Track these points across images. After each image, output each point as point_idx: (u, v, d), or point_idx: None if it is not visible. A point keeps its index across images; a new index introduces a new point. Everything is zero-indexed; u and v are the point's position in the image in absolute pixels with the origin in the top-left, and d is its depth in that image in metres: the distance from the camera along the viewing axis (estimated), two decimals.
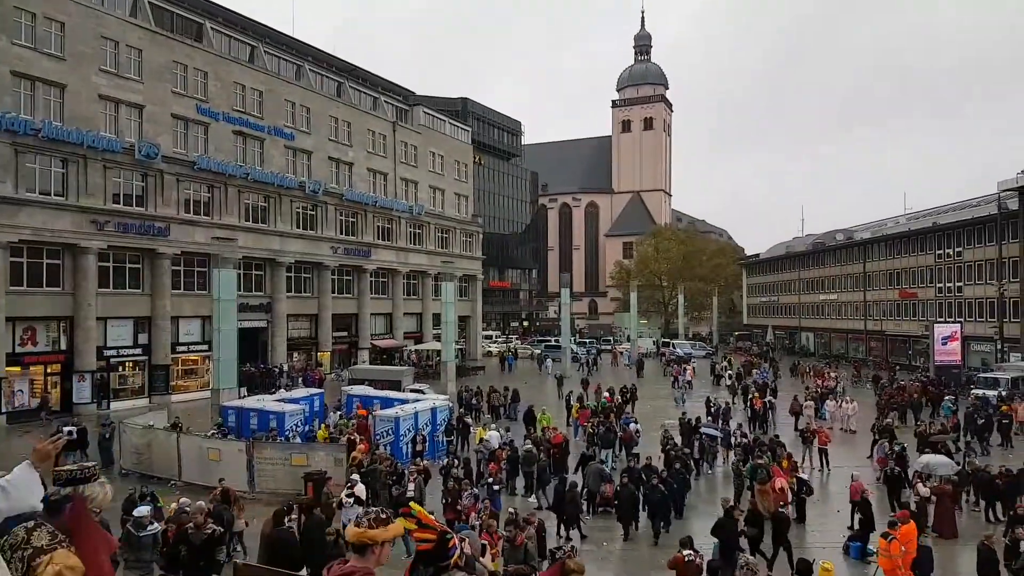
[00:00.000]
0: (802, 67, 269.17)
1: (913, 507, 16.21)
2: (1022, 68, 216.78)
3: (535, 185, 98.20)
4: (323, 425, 24.48)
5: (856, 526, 16.38)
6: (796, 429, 28.18)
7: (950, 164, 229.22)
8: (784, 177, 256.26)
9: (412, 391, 30.10)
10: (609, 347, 68.75)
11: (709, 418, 28.30)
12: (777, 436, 24.43)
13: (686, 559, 11.66)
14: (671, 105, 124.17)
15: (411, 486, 16.29)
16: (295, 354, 44.92)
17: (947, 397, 33.06)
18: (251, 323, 40.41)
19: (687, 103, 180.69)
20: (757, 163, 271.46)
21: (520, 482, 20.22)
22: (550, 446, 21.59)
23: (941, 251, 52.67)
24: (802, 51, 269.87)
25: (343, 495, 14.99)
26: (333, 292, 47.64)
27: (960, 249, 50.60)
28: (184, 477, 19.60)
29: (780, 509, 15.70)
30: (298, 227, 44.50)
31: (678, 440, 22.86)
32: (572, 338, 61.14)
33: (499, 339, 72.91)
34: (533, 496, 19.28)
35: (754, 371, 46.21)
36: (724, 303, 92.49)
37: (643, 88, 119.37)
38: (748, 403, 32.29)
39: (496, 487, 16.86)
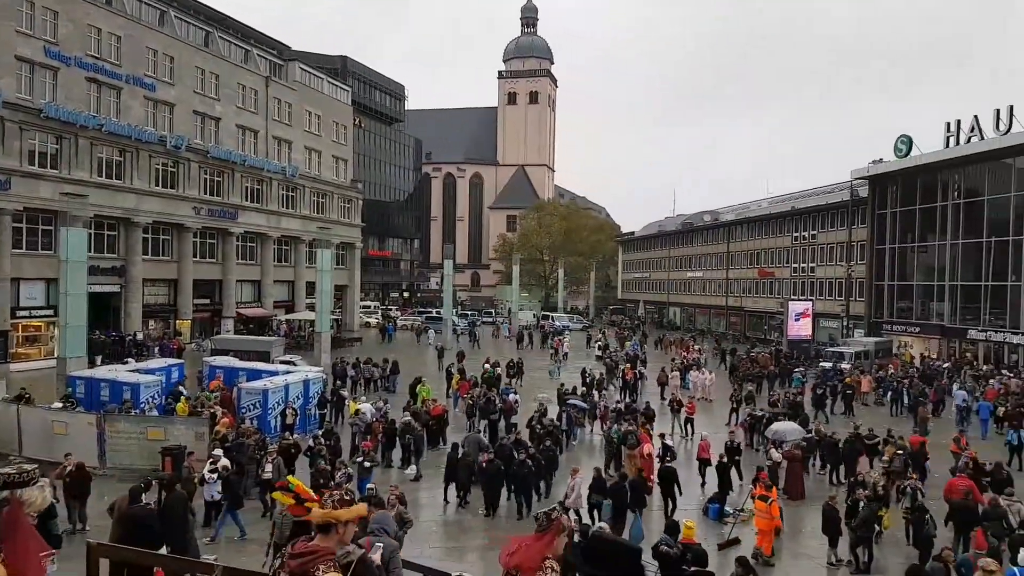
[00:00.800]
0: (685, 52, 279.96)
1: (765, 471, 17.18)
2: (879, 62, 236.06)
3: (419, 153, 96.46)
4: (183, 397, 22.94)
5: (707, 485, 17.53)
6: (662, 398, 29.70)
7: (815, 150, 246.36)
8: (659, 157, 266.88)
9: (282, 363, 29.05)
10: (491, 319, 69.57)
11: (584, 388, 29.12)
12: (648, 404, 25.64)
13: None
14: (556, 81, 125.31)
15: (268, 467, 15.49)
16: (151, 322, 42.03)
17: (797, 369, 35.81)
18: (102, 287, 37.31)
19: (571, 80, 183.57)
20: (635, 143, 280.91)
21: (397, 454, 19.98)
22: (429, 418, 21.55)
23: (797, 234, 56.60)
24: (686, 36, 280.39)
25: (206, 471, 14.38)
26: (195, 256, 44.87)
27: (815, 232, 54.59)
28: (25, 452, 17.87)
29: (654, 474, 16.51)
30: (157, 185, 41.32)
31: (553, 415, 22.79)
32: (454, 310, 61.07)
33: (378, 309, 71.57)
34: (411, 467, 19.16)
35: (626, 343, 48.07)
36: (601, 278, 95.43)
37: (529, 61, 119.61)
38: (620, 374, 33.45)
39: (367, 464, 16.26)
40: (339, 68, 71.23)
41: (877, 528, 14.01)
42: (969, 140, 39.32)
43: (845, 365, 36.53)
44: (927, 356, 41.05)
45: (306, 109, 55.15)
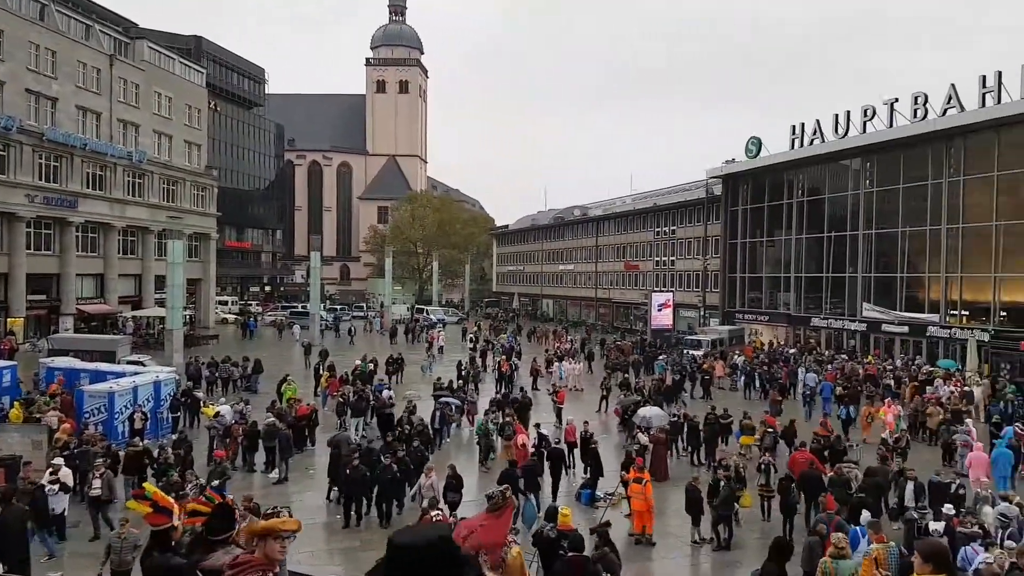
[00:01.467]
0: (560, 46, 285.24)
1: (634, 455, 17.67)
2: (740, 65, 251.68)
3: (281, 139, 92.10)
4: (15, 402, 20.58)
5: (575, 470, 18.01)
6: (534, 388, 30.15)
7: (680, 148, 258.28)
8: (531, 153, 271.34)
9: (130, 363, 27.00)
10: (362, 314, 67.80)
11: (460, 381, 29.01)
12: (523, 392, 25.87)
13: (433, 519, 11.49)
14: (427, 71, 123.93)
15: (97, 483, 13.90)
16: None
17: (660, 357, 37.51)
18: None
19: (442, 72, 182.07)
20: (507, 138, 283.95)
21: (260, 457, 18.91)
22: (295, 419, 20.50)
23: (659, 229, 59.29)
24: (562, 30, 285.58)
25: (45, 480, 13.19)
26: (28, 248, 40.49)
27: (674, 228, 57.41)
28: None
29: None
30: None
31: (426, 414, 22.05)
32: (322, 305, 58.92)
33: (237, 304, 67.84)
34: (275, 471, 18.23)
35: (501, 336, 48.45)
36: (476, 271, 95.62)
37: (398, 50, 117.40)
38: (496, 366, 33.81)
39: (215, 482, 14.55)
40: (192, 48, 66.78)
41: (736, 507, 14.71)
42: (812, 143, 42.58)
43: (697, 352, 38.60)
44: (775, 343, 44.27)
45: (155, 91, 51.01)
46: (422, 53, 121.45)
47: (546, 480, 17.12)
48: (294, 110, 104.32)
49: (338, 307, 72.85)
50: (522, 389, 27.84)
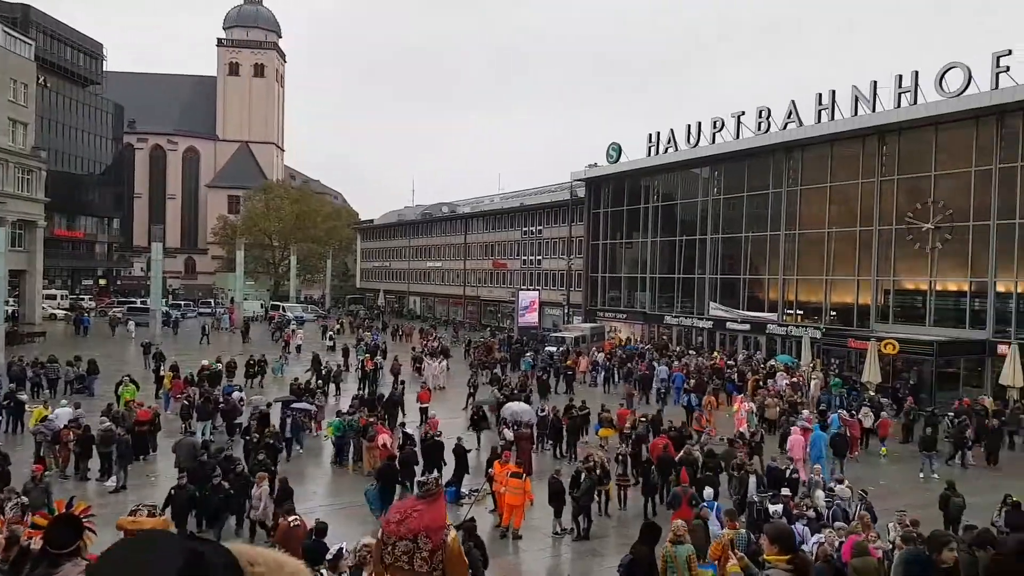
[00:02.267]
0: (430, 38, 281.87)
1: (499, 450, 17.73)
2: (607, 73, 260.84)
3: (120, 120, 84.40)
4: None
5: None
6: (395, 386, 29.12)
7: (548, 150, 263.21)
8: (398, 145, 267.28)
9: None
10: (210, 310, 63.70)
11: (320, 381, 28.25)
12: (389, 393, 25.26)
13: (291, 524, 11.33)
14: (284, 55, 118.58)
15: None
16: None
17: (527, 354, 38.10)
18: None
19: (302, 59, 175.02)
20: (373, 130, 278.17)
21: (95, 464, 17.43)
22: (135, 423, 18.87)
23: (526, 228, 60.27)
24: (432, 22, 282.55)
25: None
26: None
27: (541, 228, 58.57)
28: None
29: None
30: None
31: (276, 420, 20.69)
32: (164, 300, 54.72)
33: (67, 299, 61.59)
34: (112, 479, 16.88)
35: (366, 334, 47.18)
36: (338, 266, 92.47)
37: (254, 32, 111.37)
38: (360, 365, 32.99)
39: (30, 498, 12.80)
40: (20, 17, 60.17)
41: (596, 498, 15.31)
42: (666, 151, 44.87)
43: (552, 348, 39.69)
44: (632, 339, 46.26)
45: None
46: (280, 36, 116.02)
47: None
48: (136, 90, 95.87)
49: (182, 303, 68.09)
50: (402, 383, 27.21)
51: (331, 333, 46.98)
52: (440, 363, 33.43)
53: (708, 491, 14.02)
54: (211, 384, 25.51)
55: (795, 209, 38.22)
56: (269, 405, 21.55)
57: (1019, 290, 29.07)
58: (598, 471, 15.32)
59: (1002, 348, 27.42)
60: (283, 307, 65.17)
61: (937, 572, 5.27)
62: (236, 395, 23.57)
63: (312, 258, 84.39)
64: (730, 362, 35.26)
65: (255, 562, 1.31)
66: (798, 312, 38.30)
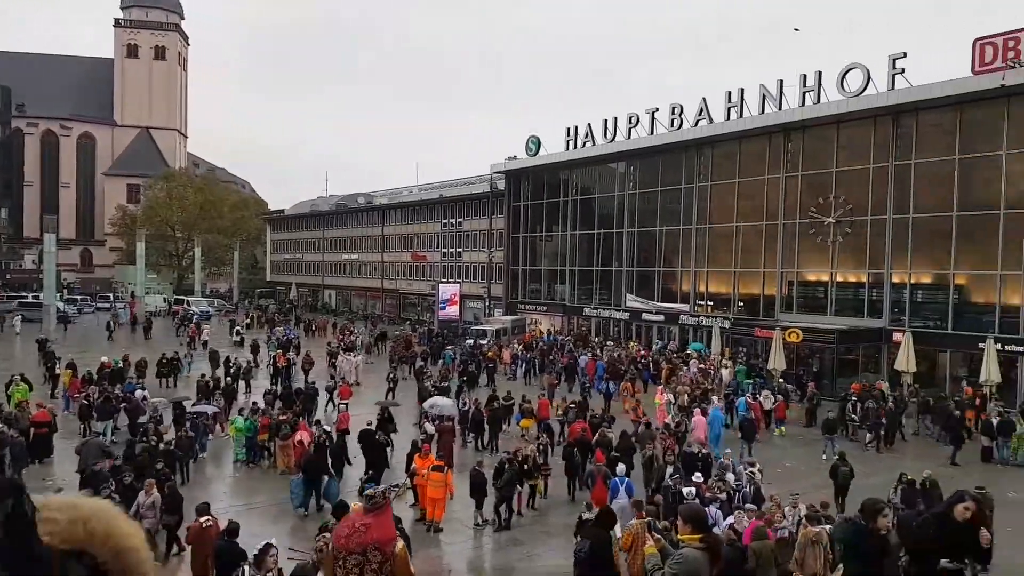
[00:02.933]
0: (336, 26, 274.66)
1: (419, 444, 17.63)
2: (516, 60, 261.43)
3: (7, 103, 78.53)
4: None
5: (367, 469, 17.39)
6: (307, 383, 28.00)
7: (473, 142, 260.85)
8: (311, 134, 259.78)
9: None
10: (108, 305, 60.24)
11: (229, 378, 27.57)
12: (306, 387, 24.69)
13: (203, 525, 11.18)
14: (188, 38, 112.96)
15: None
16: None
17: (448, 347, 37.87)
18: None
19: (211, 42, 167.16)
20: (284, 116, 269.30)
21: None
22: (31, 424, 17.82)
23: (446, 221, 59.79)
24: (342, 12, 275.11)
25: None
26: None
27: (461, 220, 58.25)
28: None
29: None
30: None
31: (168, 418, 19.89)
32: (59, 294, 51.35)
33: None
34: None
35: (277, 329, 45.80)
36: (247, 258, 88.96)
37: (154, 12, 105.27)
38: (272, 361, 32.26)
39: None
40: None
41: (520, 489, 15.49)
42: (584, 145, 45.53)
43: (482, 341, 39.64)
44: (552, 331, 46.76)
45: None
46: (182, 18, 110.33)
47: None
48: (25, 72, 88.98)
49: (78, 297, 64.14)
50: (312, 381, 26.85)
51: (239, 328, 45.33)
52: (356, 358, 32.79)
53: (620, 467, 14.81)
54: (112, 382, 24.46)
55: (706, 204, 39.56)
56: (178, 406, 20.66)
57: (912, 281, 31.19)
58: (528, 465, 15.53)
59: (897, 336, 29.29)
60: (187, 301, 62.27)
61: (875, 540, 5.54)
62: (139, 393, 22.79)
63: (218, 250, 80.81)
64: (643, 352, 36.33)
65: (49, 506, 1.42)
66: (709, 303, 39.74)
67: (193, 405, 21.55)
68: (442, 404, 21.50)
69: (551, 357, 34.74)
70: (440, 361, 34.46)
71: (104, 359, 28.12)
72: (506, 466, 14.97)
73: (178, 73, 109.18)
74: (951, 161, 29.31)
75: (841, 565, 6.06)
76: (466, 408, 21.78)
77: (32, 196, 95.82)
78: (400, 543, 5.04)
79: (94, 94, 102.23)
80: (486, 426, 21.11)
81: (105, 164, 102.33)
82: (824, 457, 20.17)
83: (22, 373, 23.52)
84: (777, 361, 27.99)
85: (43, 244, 48.86)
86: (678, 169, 40.87)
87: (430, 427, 19.11)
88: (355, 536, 4.73)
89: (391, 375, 28.60)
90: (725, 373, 29.45)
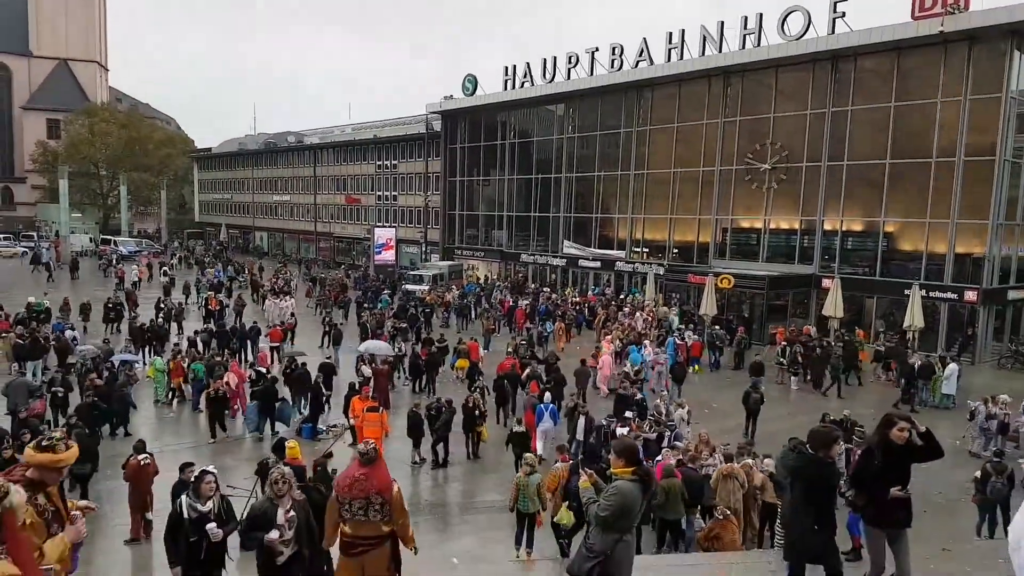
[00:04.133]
0: None
1: (357, 386, 17.85)
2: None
3: None
4: None
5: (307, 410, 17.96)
6: (238, 324, 28.29)
7: (407, 82, 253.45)
8: (239, 68, 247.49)
9: None
10: (30, 246, 57.24)
11: (162, 319, 27.36)
12: (240, 326, 25.17)
13: (141, 463, 11.28)
14: None
15: None
16: None
17: (384, 292, 37.58)
18: None
19: None
20: (210, 48, 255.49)
21: None
22: None
23: (381, 162, 58.32)
24: None
25: None
26: None
27: (396, 162, 56.89)
28: None
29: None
30: None
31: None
32: None
33: None
34: None
35: (208, 271, 44.60)
36: (174, 198, 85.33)
37: None
38: (203, 303, 32.27)
39: None
40: None
41: (467, 437, 15.99)
42: (523, 85, 44.58)
43: (413, 287, 39.62)
44: (489, 277, 46.69)
45: None
46: None
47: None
48: None
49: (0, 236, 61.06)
50: (244, 323, 26.99)
51: (166, 269, 43.88)
52: (286, 302, 31.99)
53: (547, 396, 16.34)
54: (38, 323, 24.63)
55: (644, 149, 39.52)
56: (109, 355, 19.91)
57: (844, 228, 32.04)
58: (476, 412, 15.87)
59: (826, 282, 30.12)
60: (114, 241, 59.65)
61: (823, 467, 5.58)
62: (69, 333, 23.12)
63: (144, 189, 77.26)
64: (582, 298, 36.77)
65: None
66: (644, 250, 40.15)
67: (122, 351, 21.30)
68: (377, 347, 21.81)
69: (486, 304, 34.96)
70: (377, 305, 34.11)
71: (31, 299, 28.00)
72: (443, 409, 15.53)
73: (95, 1, 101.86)
74: (887, 108, 29.76)
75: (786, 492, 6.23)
76: (403, 353, 21.85)
77: None
78: (396, 486, 5.82)
79: (7, 23, 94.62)
80: (423, 369, 21.34)
81: (22, 98, 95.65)
82: None
83: None
84: (709, 307, 28.59)
85: None
86: (617, 113, 40.59)
87: (367, 369, 19.52)
88: (357, 485, 5.60)
89: (326, 319, 28.20)
90: (674, 318, 30.42)
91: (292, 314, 29.15)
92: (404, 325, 28.00)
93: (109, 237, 63.15)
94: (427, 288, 39.23)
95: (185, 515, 6.13)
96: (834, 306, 27.36)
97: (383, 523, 5.69)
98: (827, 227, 32.56)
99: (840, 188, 31.65)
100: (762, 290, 31.42)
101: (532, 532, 10.46)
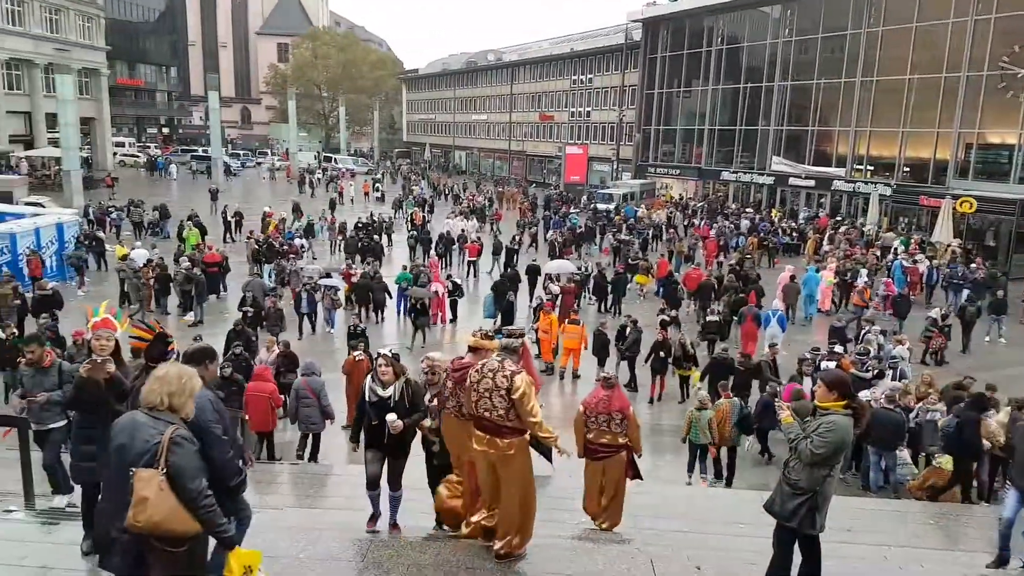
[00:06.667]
0: None
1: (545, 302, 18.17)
2: None
3: None
4: None
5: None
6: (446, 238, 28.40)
7: None
8: None
9: (28, 204, 26.62)
10: (265, 160, 64.51)
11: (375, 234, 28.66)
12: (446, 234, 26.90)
13: (356, 359, 12.00)
14: None
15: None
16: None
17: (573, 210, 37.94)
18: None
19: None
20: None
21: (173, 301, 19.08)
22: (206, 265, 20.07)
23: (576, 77, 57.47)
24: None
25: None
26: None
27: (591, 76, 55.77)
28: None
29: None
30: None
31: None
32: (224, 148, 55.60)
33: (134, 146, 62.96)
34: (190, 314, 18.36)
35: (415, 188, 47.28)
36: (385, 119, 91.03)
37: None
38: (409, 217, 33.98)
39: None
40: None
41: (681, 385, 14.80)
42: None
43: (604, 205, 38.80)
44: (683, 196, 44.99)
45: None
46: None
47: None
48: None
49: (240, 152, 69.25)
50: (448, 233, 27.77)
51: (378, 185, 47.50)
52: (471, 223, 32.23)
53: (775, 302, 17.83)
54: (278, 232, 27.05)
55: (874, 53, 35.33)
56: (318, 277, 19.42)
57: None
58: (678, 353, 14.47)
59: None
60: (335, 159, 65.36)
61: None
62: (297, 242, 25.53)
63: (360, 110, 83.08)
64: (791, 224, 34.23)
65: None
66: (868, 167, 36.51)
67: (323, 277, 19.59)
68: (560, 266, 21.86)
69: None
70: (565, 224, 34.21)
71: (267, 209, 30.88)
72: (628, 328, 14.99)
73: None
74: None
75: None
76: (584, 271, 21.87)
77: (196, 56, 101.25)
78: (632, 408, 7.23)
79: None
80: (609, 290, 21.08)
81: (257, 24, 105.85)
82: (988, 339, 18.47)
83: (192, 218, 26.08)
84: (944, 233, 25.44)
85: (208, 101, 52.35)
86: (844, 12, 36.42)
87: (555, 287, 19.51)
88: (601, 404, 6.97)
89: (516, 238, 28.30)
90: (901, 246, 26.78)
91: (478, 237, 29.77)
92: (627, 237, 28.35)
93: (330, 155, 69.15)
94: (616, 207, 38.53)
95: (366, 397, 6.03)
96: None
97: (620, 435, 6.99)
98: None
99: None
100: (1011, 216, 27.35)
101: (705, 461, 11.04)
